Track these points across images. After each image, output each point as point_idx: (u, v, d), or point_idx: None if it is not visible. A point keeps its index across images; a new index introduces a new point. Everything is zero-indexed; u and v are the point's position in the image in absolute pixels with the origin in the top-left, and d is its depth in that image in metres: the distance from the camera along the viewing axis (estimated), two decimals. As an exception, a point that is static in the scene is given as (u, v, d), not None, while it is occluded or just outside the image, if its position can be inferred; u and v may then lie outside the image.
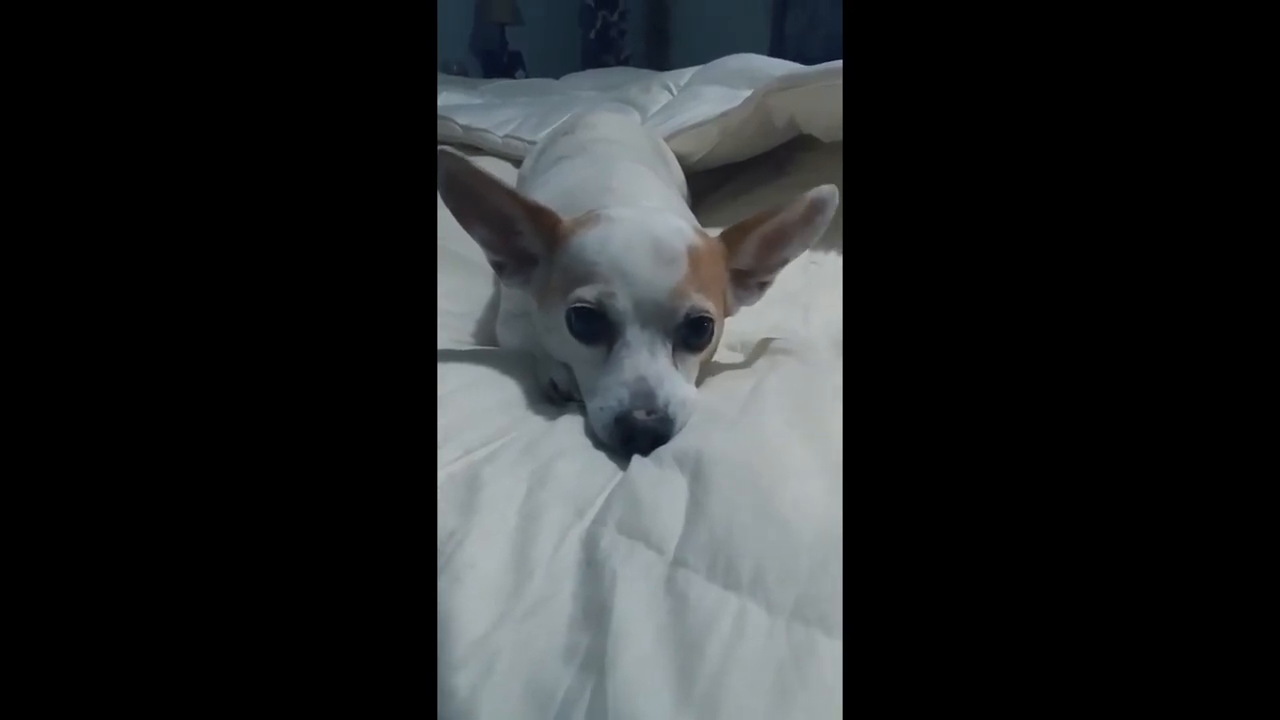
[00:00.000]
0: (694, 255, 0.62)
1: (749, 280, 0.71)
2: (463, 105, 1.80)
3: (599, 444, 0.56)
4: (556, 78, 2.56)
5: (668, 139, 1.31)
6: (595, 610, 0.41)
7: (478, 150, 1.56)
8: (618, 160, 0.97)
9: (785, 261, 0.70)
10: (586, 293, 0.59)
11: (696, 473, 0.48)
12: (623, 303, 0.59)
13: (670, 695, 0.36)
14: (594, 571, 0.43)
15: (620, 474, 0.51)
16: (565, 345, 0.62)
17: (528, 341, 0.73)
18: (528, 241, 0.67)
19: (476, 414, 0.59)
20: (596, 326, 0.60)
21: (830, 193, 0.66)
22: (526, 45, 3.77)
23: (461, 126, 1.64)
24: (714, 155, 1.28)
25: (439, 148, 0.60)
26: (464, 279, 1.05)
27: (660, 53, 3.86)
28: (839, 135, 1.09)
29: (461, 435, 0.55)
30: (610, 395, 0.56)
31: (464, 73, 3.33)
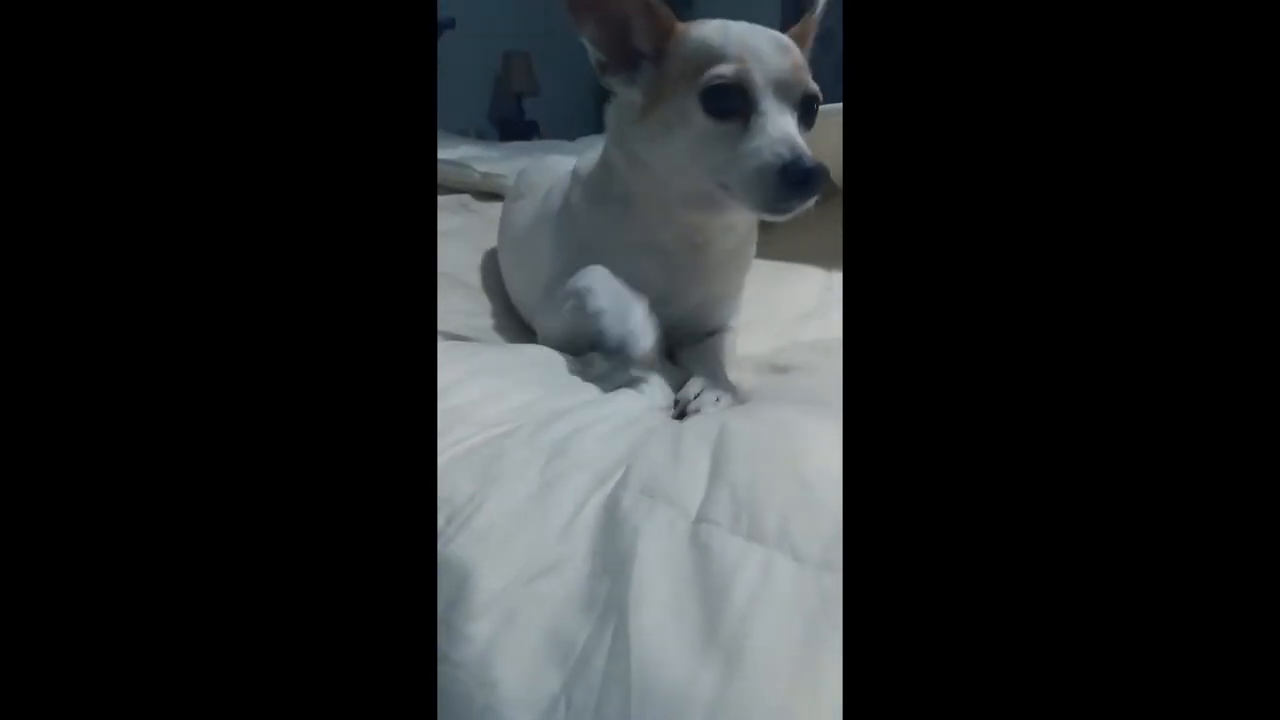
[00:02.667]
0: (794, 44, 0.68)
1: None
2: (481, 156, 1.85)
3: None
4: (571, 140, 2.64)
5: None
6: (616, 563, 0.40)
7: (494, 195, 1.60)
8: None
9: None
10: (724, 69, 0.63)
11: (719, 443, 0.48)
12: (759, 77, 0.64)
13: (695, 637, 0.35)
14: (615, 528, 0.42)
15: (640, 448, 0.51)
16: (690, 132, 0.66)
17: (567, 325, 0.73)
18: (638, 38, 0.70)
19: (491, 396, 0.59)
20: (732, 102, 0.64)
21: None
22: (543, 115, 3.91)
23: (480, 173, 1.69)
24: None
25: None
26: (463, 298, 1.08)
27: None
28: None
29: (477, 414, 0.55)
30: (768, 152, 0.62)
31: (482, 138, 3.44)
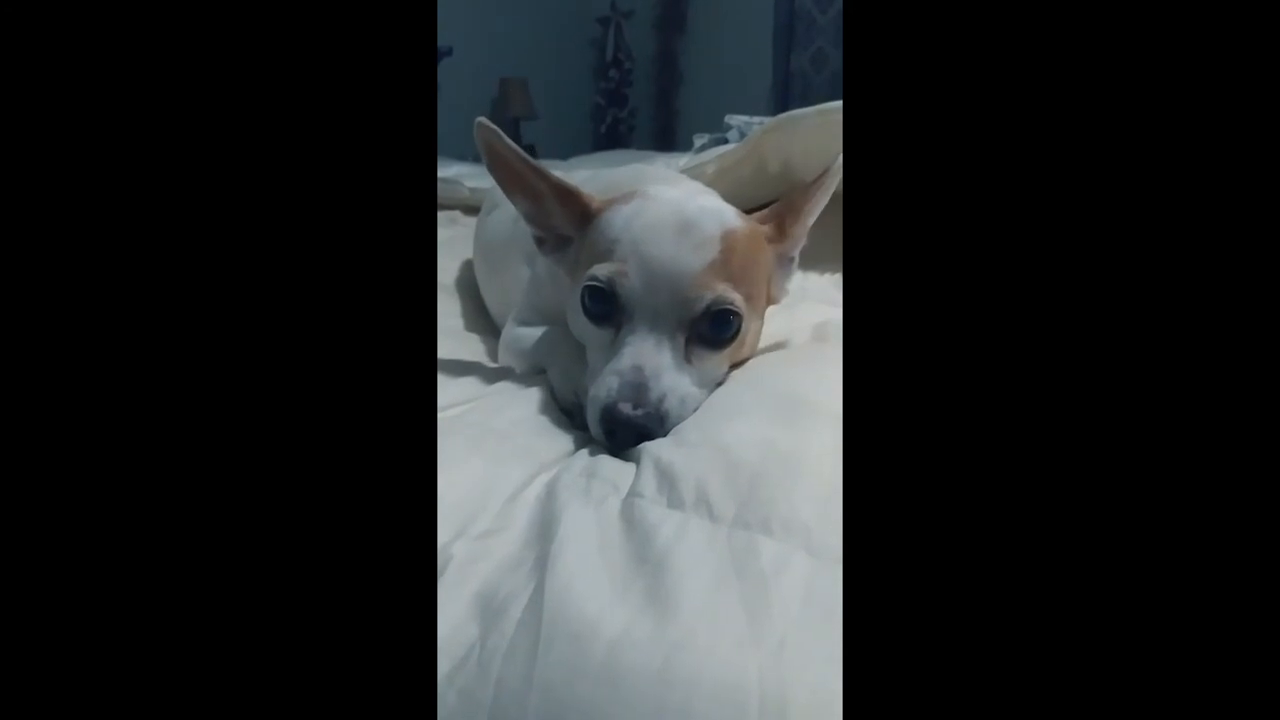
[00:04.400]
0: (729, 241, 0.57)
1: (781, 258, 0.67)
2: (471, 173, 1.89)
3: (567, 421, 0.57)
4: (564, 159, 2.69)
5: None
6: (546, 528, 0.42)
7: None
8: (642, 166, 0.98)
9: (805, 231, 0.68)
10: (600, 270, 0.56)
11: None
12: (634, 285, 0.55)
13: (606, 589, 0.36)
14: (551, 502, 0.44)
15: (586, 441, 0.54)
16: (580, 325, 0.60)
17: (535, 352, 0.71)
18: (558, 221, 0.65)
19: (445, 382, 0.61)
20: (607, 307, 0.56)
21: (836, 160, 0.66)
22: (540, 139, 3.97)
23: (469, 189, 1.73)
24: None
25: (476, 120, 0.62)
26: (441, 300, 1.10)
27: (666, 148, 4.06)
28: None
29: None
30: (603, 384, 0.53)
31: (479, 160, 3.50)
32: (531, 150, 3.95)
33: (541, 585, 0.37)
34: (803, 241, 0.68)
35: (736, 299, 0.56)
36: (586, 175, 1.02)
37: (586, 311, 0.58)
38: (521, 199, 0.65)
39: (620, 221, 0.58)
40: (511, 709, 0.32)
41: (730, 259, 0.56)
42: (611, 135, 4.27)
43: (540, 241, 0.67)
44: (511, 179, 0.64)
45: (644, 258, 0.55)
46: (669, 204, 0.59)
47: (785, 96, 3.75)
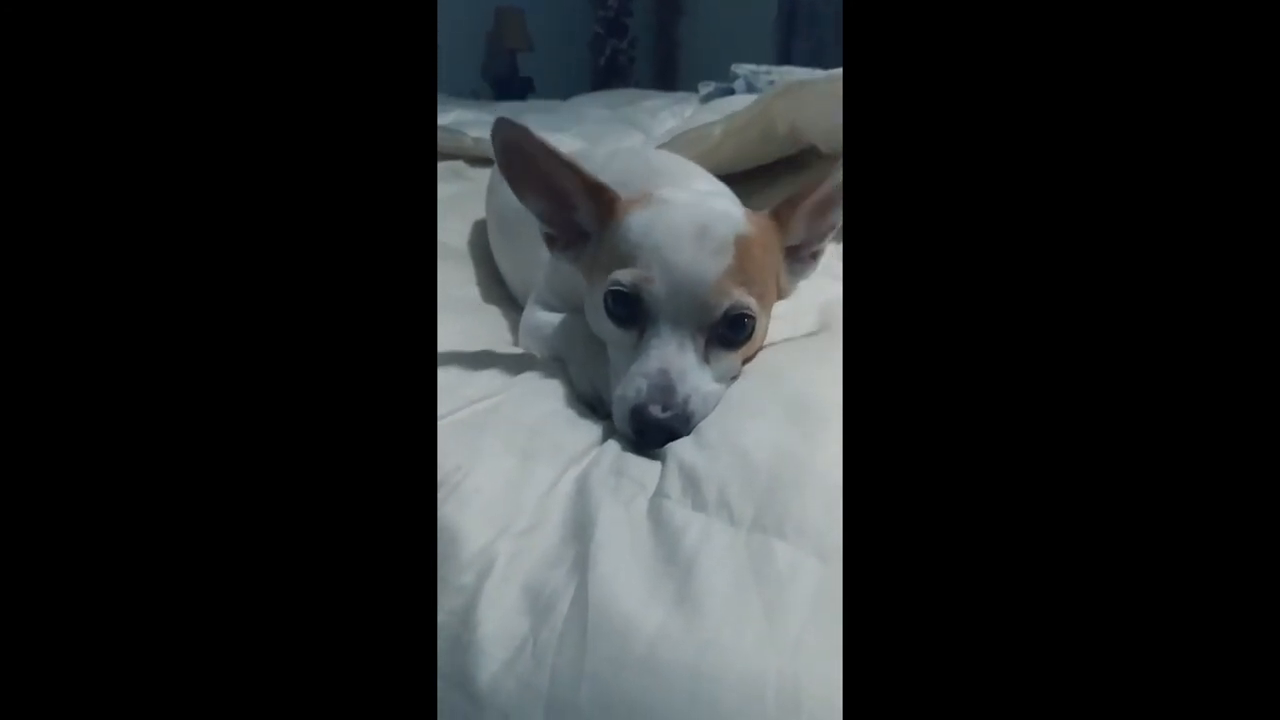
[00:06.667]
0: (742, 245, 0.60)
1: (801, 253, 0.69)
2: (474, 120, 1.87)
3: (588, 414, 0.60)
4: (565, 99, 2.66)
5: (672, 140, 1.34)
6: (583, 527, 0.47)
7: (488, 161, 1.63)
8: (651, 150, 0.97)
9: (834, 228, 0.69)
10: (624, 276, 0.59)
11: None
12: (658, 291, 0.58)
13: (643, 588, 0.42)
14: (584, 500, 0.49)
15: (611, 433, 0.58)
16: (603, 325, 0.63)
17: (554, 343, 0.74)
18: (582, 217, 0.66)
19: (473, 373, 0.65)
20: (631, 311, 0.60)
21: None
22: (538, 71, 3.89)
23: (472, 139, 1.72)
24: (714, 158, 1.28)
25: (497, 117, 0.61)
26: (453, 268, 1.11)
27: (668, 80, 3.98)
28: (838, 144, 1.12)
29: (461, 390, 0.62)
30: (630, 385, 0.57)
31: (476, 97, 3.44)
32: (529, 85, 3.88)
33: (584, 583, 0.42)
34: (823, 244, 0.69)
35: (751, 303, 0.60)
36: (600, 160, 1.03)
37: (610, 314, 0.61)
38: (537, 199, 0.65)
39: (640, 228, 0.61)
40: (566, 696, 0.38)
41: (744, 263, 0.60)
42: (611, 67, 4.18)
43: (551, 240, 0.68)
44: (532, 179, 0.64)
45: (667, 265, 0.59)
46: (685, 210, 0.63)
47: (791, 26, 3.65)
